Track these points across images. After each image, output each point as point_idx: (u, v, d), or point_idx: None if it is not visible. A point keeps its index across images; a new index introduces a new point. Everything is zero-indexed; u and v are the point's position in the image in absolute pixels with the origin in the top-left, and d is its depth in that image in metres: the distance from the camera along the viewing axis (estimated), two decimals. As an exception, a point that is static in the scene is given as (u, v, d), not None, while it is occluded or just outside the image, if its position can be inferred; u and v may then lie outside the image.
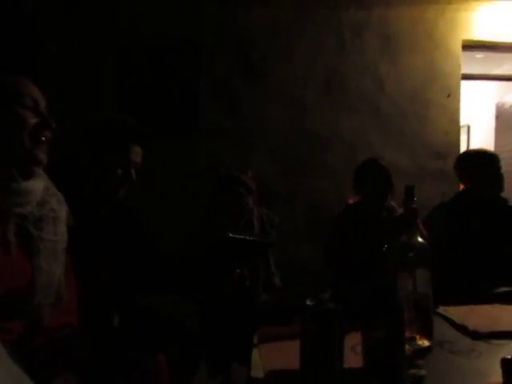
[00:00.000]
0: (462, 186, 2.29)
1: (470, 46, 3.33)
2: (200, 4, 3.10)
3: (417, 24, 3.24)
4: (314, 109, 3.20)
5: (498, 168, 2.05)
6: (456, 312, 1.28)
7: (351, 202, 2.24)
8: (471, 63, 3.77)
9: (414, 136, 3.24)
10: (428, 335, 1.05)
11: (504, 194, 2.14)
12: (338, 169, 3.12)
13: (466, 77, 3.45)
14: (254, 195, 2.03)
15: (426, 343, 1.04)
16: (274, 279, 2.12)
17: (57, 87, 2.86)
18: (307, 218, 3.15)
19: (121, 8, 3.02)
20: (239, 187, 1.96)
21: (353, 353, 0.96)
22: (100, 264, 1.36)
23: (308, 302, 0.86)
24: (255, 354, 1.06)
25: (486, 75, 4.24)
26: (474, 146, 5.08)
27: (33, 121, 1.00)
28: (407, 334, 0.92)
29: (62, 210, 1.10)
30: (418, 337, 1.03)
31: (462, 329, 1.17)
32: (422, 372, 0.90)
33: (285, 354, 1.00)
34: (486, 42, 3.29)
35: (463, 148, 3.74)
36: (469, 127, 5.53)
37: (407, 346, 0.92)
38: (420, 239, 1.07)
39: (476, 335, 1.12)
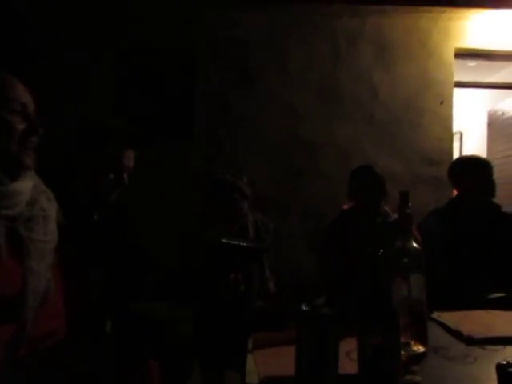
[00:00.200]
0: (455, 193, 2.31)
1: (463, 55, 3.37)
2: (196, 12, 3.12)
3: (410, 33, 3.28)
4: (308, 116, 3.22)
5: (490, 175, 2.07)
6: (450, 318, 1.28)
7: (345, 207, 2.24)
8: (464, 71, 3.81)
9: (407, 143, 3.26)
10: (423, 341, 1.05)
11: (497, 200, 2.15)
12: (332, 175, 3.13)
13: (459, 85, 3.49)
14: (248, 200, 2.03)
15: (420, 349, 1.04)
16: (268, 285, 2.11)
17: (53, 91, 2.88)
18: (301, 223, 3.16)
19: (118, 15, 3.04)
20: (234, 192, 1.96)
21: (348, 359, 0.95)
22: (92, 268, 1.34)
23: (303, 308, 0.86)
24: (250, 360, 1.05)
25: (478, 83, 4.29)
26: (467, 153, 5.11)
27: (20, 126, 0.99)
28: (402, 340, 0.92)
29: (52, 208, 1.09)
30: (412, 342, 1.03)
31: (457, 334, 1.17)
32: (417, 378, 0.90)
33: (280, 360, 0.99)
34: (478, 50, 3.34)
35: (456, 155, 3.77)
36: (461, 134, 5.58)
37: (402, 352, 0.92)
38: (415, 244, 1.07)
39: (470, 341, 1.12)
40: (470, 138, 5.49)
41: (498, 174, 2.16)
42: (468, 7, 3.16)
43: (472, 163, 2.14)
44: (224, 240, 1.74)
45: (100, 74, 3.04)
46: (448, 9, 3.17)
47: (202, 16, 3.14)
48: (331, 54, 3.25)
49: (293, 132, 3.21)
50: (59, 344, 1.06)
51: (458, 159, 2.38)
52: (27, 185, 1.02)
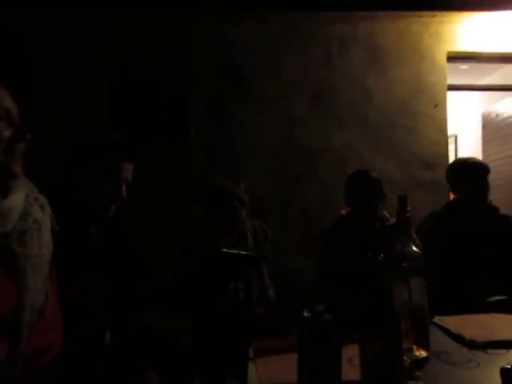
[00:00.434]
0: (452, 195, 2.31)
1: (455, 58, 3.39)
2: (189, 20, 3.13)
3: (402, 37, 3.30)
4: (303, 121, 3.23)
5: (485, 178, 2.08)
6: (452, 322, 1.27)
7: (344, 212, 2.24)
8: (456, 74, 3.84)
9: (403, 146, 3.27)
10: (425, 346, 1.04)
11: (494, 203, 2.16)
12: (329, 180, 3.13)
13: (452, 87, 3.51)
14: (247, 208, 2.02)
15: (423, 354, 1.03)
16: (268, 292, 2.10)
17: (48, 101, 2.88)
18: (300, 229, 3.15)
19: (114, 25, 3.05)
20: (232, 200, 1.95)
21: (350, 365, 0.95)
22: (90, 279, 1.33)
23: (305, 314, 0.85)
24: (251, 369, 1.04)
25: (471, 86, 4.32)
26: (462, 155, 5.14)
27: (6, 134, 0.93)
28: (404, 345, 0.91)
29: (46, 217, 1.04)
30: (415, 347, 1.02)
31: (459, 339, 1.16)
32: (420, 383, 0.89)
33: (282, 368, 0.98)
34: (470, 53, 3.36)
35: (451, 158, 3.78)
36: (456, 137, 5.61)
37: (405, 357, 0.92)
38: (414, 248, 1.07)
39: (473, 345, 1.11)
40: (465, 140, 5.52)
41: (493, 176, 2.17)
42: (459, 11, 3.18)
43: (467, 166, 2.14)
44: (224, 250, 1.74)
45: (94, 84, 3.04)
46: (439, 13, 3.20)
47: (195, 25, 3.15)
48: (325, 59, 3.27)
49: (289, 138, 3.21)
50: (55, 361, 1.03)
51: (454, 162, 2.39)
52: (19, 198, 0.98)
